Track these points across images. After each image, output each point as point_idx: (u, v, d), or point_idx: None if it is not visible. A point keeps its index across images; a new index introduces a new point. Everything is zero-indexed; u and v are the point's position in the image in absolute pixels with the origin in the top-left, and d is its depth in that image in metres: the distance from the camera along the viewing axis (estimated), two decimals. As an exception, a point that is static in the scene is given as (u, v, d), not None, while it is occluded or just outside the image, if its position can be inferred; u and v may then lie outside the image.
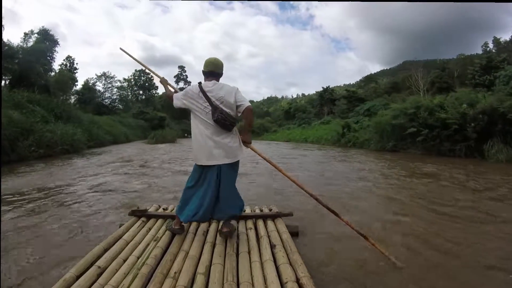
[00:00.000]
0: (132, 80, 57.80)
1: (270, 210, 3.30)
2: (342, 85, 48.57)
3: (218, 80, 2.50)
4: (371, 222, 3.65)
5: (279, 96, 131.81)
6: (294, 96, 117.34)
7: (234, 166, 2.46)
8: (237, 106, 2.39)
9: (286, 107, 52.52)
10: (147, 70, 4.21)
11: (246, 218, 3.01)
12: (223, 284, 1.83)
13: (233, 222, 2.63)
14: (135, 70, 58.80)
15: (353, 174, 7.60)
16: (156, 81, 2.75)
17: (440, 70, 34.06)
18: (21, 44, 31.58)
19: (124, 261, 2.07)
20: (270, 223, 2.89)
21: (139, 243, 2.38)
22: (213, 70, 2.48)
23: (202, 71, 2.52)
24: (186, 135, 44.76)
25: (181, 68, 65.95)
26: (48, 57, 33.66)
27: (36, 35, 33.90)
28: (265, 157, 2.73)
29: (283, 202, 4.39)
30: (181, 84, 62.49)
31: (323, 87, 45.12)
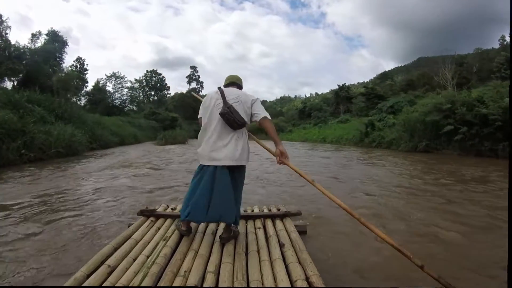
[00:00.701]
0: (144, 80, 57.77)
1: (279, 209, 3.28)
2: (355, 83, 47.32)
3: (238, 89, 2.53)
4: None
5: (292, 96, 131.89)
6: (307, 95, 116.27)
7: (234, 171, 2.34)
8: (253, 115, 2.34)
9: (300, 106, 51.40)
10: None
11: (254, 217, 3.00)
12: (233, 282, 1.83)
13: (235, 227, 2.50)
14: (147, 70, 59.05)
15: (388, 180, 6.70)
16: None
17: (458, 65, 32.06)
18: (28, 45, 31.99)
19: (134, 260, 2.07)
20: (278, 222, 2.88)
21: (149, 242, 2.38)
22: (233, 81, 2.54)
23: (224, 85, 2.53)
24: None
25: (193, 68, 65.61)
26: (57, 58, 34.15)
27: (45, 36, 34.45)
28: (305, 177, 2.31)
29: (292, 200, 4.38)
30: (193, 85, 62.59)
31: (338, 85, 43.70)
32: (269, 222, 2.88)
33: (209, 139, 2.31)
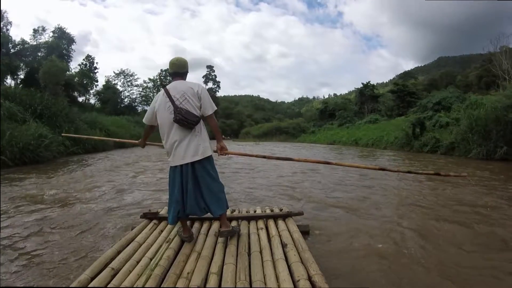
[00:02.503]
0: (158, 80, 54.75)
1: (281, 210, 3.29)
2: (375, 83, 44.79)
3: (184, 79, 2.51)
4: None
5: (311, 97, 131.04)
6: (326, 96, 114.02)
7: (203, 164, 2.39)
8: (202, 111, 2.40)
9: (321, 107, 47.74)
10: None
11: (257, 218, 3.01)
12: (236, 283, 1.83)
13: (235, 226, 2.62)
14: (161, 70, 56.25)
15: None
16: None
17: (486, 63, 29.64)
18: (30, 41, 30.57)
19: (137, 262, 2.08)
20: (281, 222, 2.88)
21: (152, 245, 2.40)
22: (177, 71, 2.48)
23: (168, 72, 2.54)
24: (225, 137, 42.30)
25: (210, 68, 62.37)
26: (65, 56, 32.72)
27: (51, 33, 33.02)
28: (249, 154, 2.82)
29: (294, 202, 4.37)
30: (210, 84, 60.09)
31: (362, 83, 40.23)
32: (271, 223, 2.88)
33: (172, 143, 2.35)
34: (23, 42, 29.29)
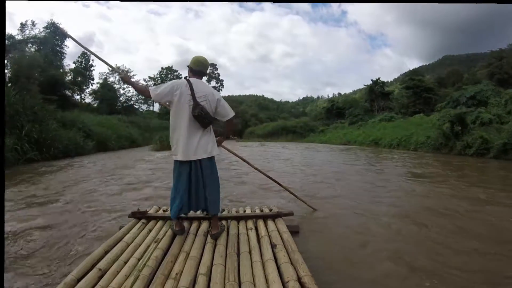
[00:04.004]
0: (159, 78, 53.08)
1: (271, 210, 3.29)
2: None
3: (201, 79, 2.61)
4: None
5: (315, 96, 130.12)
6: (330, 95, 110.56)
7: (208, 162, 2.50)
8: (220, 114, 2.54)
9: (327, 105, 45.60)
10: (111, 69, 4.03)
11: (246, 218, 3.01)
12: (224, 284, 1.83)
13: (220, 223, 2.71)
14: (162, 68, 54.84)
15: None
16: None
17: (497, 60, 28.61)
18: (17, 36, 28.44)
19: (125, 263, 2.06)
20: (270, 223, 2.89)
21: (140, 245, 2.37)
22: (202, 70, 2.60)
23: (190, 67, 2.57)
24: (234, 137, 39.72)
25: (212, 66, 59.60)
26: (58, 53, 31.58)
27: (43, 28, 31.06)
28: (237, 154, 3.03)
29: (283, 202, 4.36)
30: (213, 83, 57.60)
31: (372, 80, 37.62)
32: (261, 223, 2.89)
33: (182, 137, 2.42)
34: (9, 37, 27.36)
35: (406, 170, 8.52)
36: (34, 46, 29.06)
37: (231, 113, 2.57)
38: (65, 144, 12.99)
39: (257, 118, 59.71)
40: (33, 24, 30.92)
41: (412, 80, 31.81)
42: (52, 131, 12.64)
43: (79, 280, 1.84)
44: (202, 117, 2.36)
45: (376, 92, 35.98)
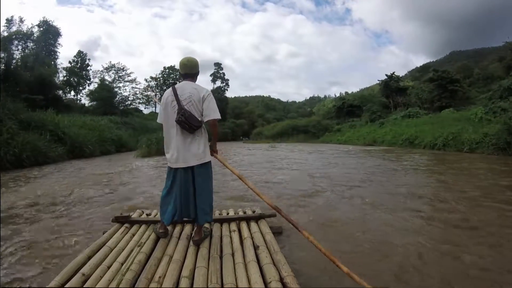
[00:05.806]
0: (161, 78, 51.24)
1: (254, 212, 3.35)
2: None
3: (194, 80, 2.55)
4: None
5: (321, 96, 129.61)
6: (337, 95, 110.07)
7: (201, 168, 2.43)
8: (204, 114, 2.40)
9: (338, 103, 44.12)
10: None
11: (229, 220, 3.05)
12: (207, 286, 1.87)
13: (205, 228, 2.67)
14: (164, 67, 52.99)
15: None
16: None
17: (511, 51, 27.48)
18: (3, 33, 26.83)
19: (108, 267, 2.08)
20: (253, 224, 2.95)
21: (123, 249, 2.39)
22: (188, 72, 2.51)
23: (179, 73, 2.57)
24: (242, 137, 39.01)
25: (217, 65, 58.67)
26: (51, 52, 30.45)
27: (37, 27, 29.77)
28: (231, 169, 2.63)
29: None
30: (218, 83, 57.07)
31: (386, 75, 36.41)
32: (244, 225, 2.94)
33: (173, 144, 2.40)
34: None
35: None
36: (19, 43, 27.83)
37: (213, 114, 2.38)
38: (20, 149, 9.88)
39: (264, 119, 59.05)
40: (21, 20, 29.62)
41: (436, 72, 29.81)
42: (4, 133, 10.05)
43: (63, 285, 1.85)
44: (183, 122, 2.29)
45: (392, 87, 34.64)
